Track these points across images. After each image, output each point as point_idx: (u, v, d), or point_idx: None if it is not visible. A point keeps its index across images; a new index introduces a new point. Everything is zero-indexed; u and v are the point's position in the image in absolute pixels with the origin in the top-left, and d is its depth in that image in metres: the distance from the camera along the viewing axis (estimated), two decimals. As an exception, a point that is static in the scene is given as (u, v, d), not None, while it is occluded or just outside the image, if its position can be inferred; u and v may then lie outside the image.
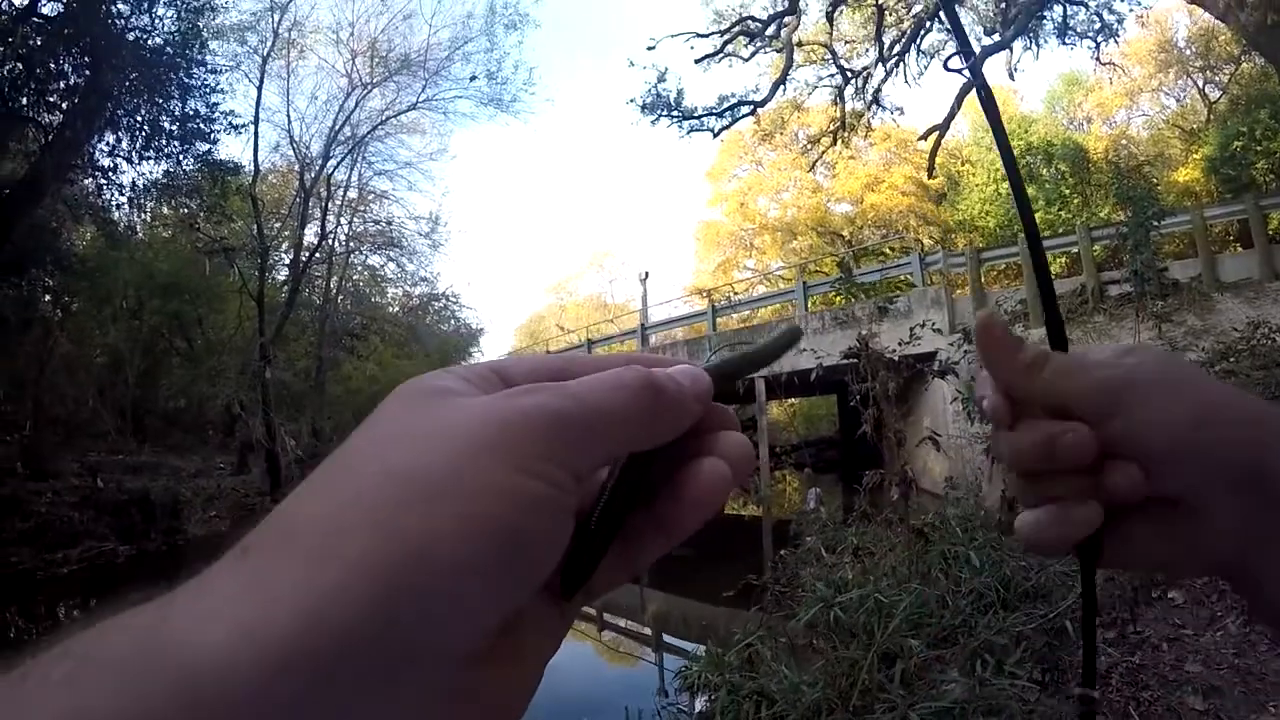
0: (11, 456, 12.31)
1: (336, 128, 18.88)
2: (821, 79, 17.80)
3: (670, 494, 0.29)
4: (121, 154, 13.00)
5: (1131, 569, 0.52)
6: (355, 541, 0.20)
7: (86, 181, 13.67)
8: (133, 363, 16.94)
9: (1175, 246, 14.44)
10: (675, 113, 16.14)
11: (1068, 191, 21.96)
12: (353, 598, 0.19)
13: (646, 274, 26.89)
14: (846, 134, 18.13)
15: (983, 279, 14.13)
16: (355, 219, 21.54)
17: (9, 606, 9.08)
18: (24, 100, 11.77)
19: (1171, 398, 0.37)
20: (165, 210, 16.61)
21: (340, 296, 21.59)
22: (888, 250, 22.68)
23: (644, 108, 16.16)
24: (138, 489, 12.57)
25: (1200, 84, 23.01)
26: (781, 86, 16.78)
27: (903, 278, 14.97)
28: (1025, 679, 3.19)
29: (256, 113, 17.22)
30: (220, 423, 17.61)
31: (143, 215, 16.26)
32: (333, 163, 19.22)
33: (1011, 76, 17.17)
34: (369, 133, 19.81)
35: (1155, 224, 11.06)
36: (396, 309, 24.73)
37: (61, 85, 11.99)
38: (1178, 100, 24.25)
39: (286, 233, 19.25)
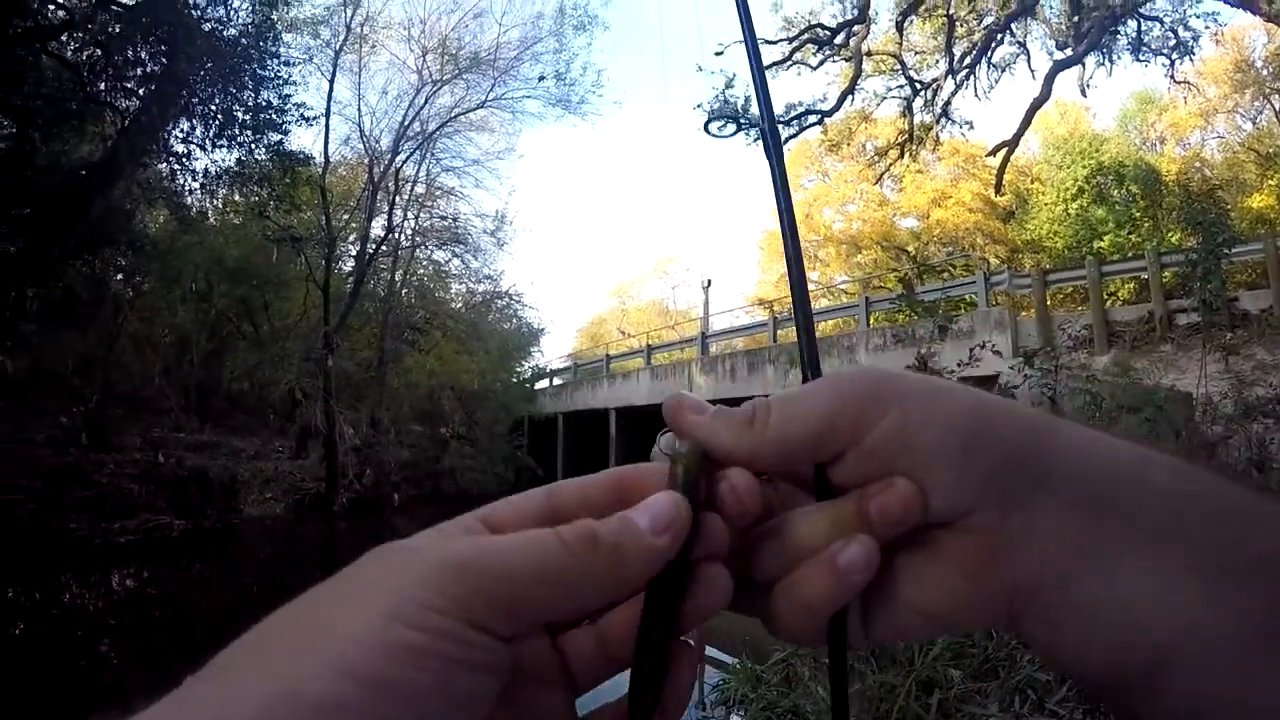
0: (76, 428, 12.79)
1: (406, 123, 19.15)
2: (890, 90, 17.58)
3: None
4: (195, 141, 13.43)
5: (895, 634, 0.32)
6: (260, 679, 0.23)
7: (161, 166, 14.17)
8: (199, 344, 17.51)
9: (1247, 276, 13.89)
10: (742, 120, 16.10)
11: (1138, 214, 21.28)
12: None
13: (709, 282, 26.79)
14: (914, 147, 17.88)
15: (1048, 301, 13.76)
16: (422, 214, 21.74)
17: (65, 571, 9.45)
18: (102, 85, 12.27)
19: (935, 393, 0.31)
20: (236, 197, 16.96)
21: (404, 290, 21.71)
22: (952, 268, 22.29)
23: (710, 115, 16.16)
24: (197, 466, 13.01)
25: (1277, 106, 22.11)
26: (849, 96, 16.65)
27: (966, 297, 14.69)
28: (1066, 719, 3.09)
29: (328, 105, 17.66)
30: (281, 407, 17.95)
31: (214, 201, 16.80)
32: (401, 157, 19.48)
33: (1083, 93, 16.76)
34: (438, 129, 20.04)
35: (1226, 251, 10.68)
36: (459, 305, 24.70)
37: (138, 72, 12.45)
38: (1254, 122, 23.37)
39: (354, 224, 19.56)
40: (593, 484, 0.33)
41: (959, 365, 5.44)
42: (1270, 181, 20.37)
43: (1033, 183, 24.80)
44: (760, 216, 30.74)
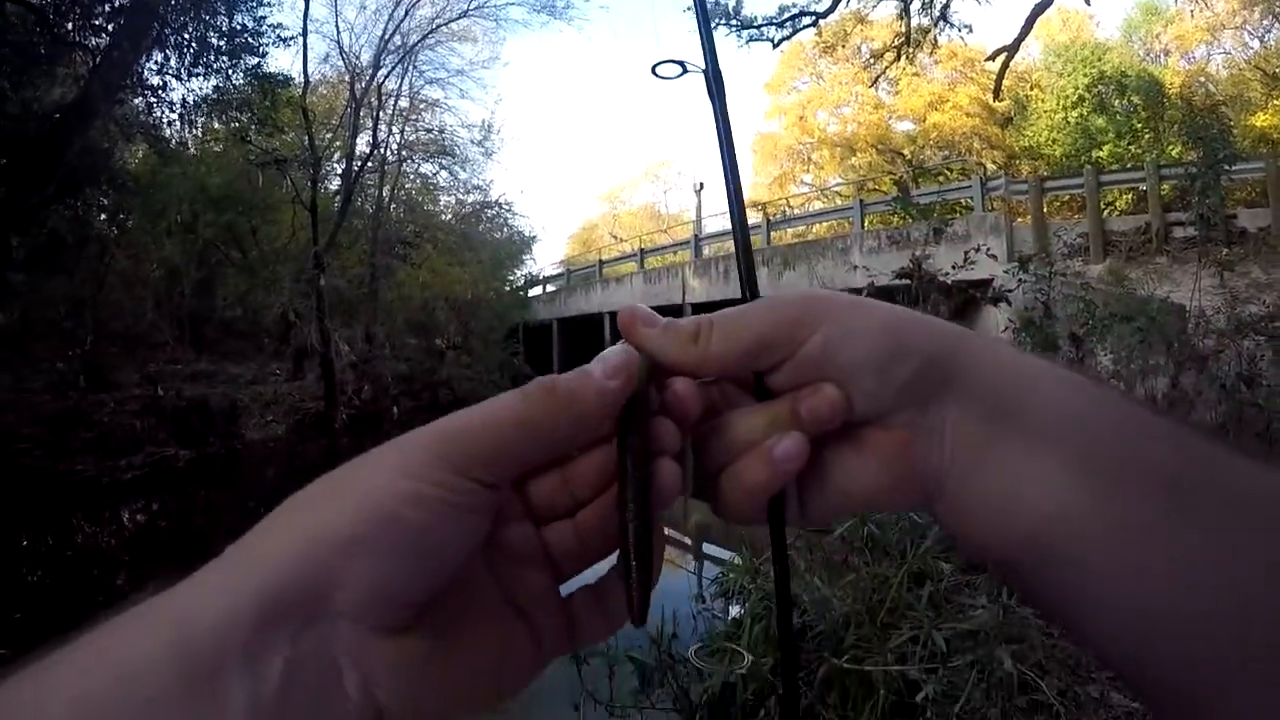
0: (74, 371, 12.79)
1: (386, 37, 18.74)
2: (887, -9, 17.01)
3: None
4: (170, 72, 13.13)
5: (827, 515, 0.39)
6: (291, 529, 0.29)
7: (136, 101, 13.85)
8: (188, 275, 17.26)
9: (1247, 194, 13.74)
10: (734, 21, 15.58)
11: (1139, 126, 20.90)
12: (283, 563, 0.27)
13: (702, 185, 26.46)
14: (911, 50, 17.39)
15: (1045, 208, 13.64)
16: (407, 128, 21.45)
17: (75, 512, 9.53)
18: (69, 25, 11.88)
19: (858, 311, 0.36)
20: (216, 125, 16.79)
21: (393, 205, 21.65)
22: (948, 171, 21.92)
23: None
24: (196, 396, 13.06)
25: (1286, 25, 21.56)
26: (845, -3, 16.14)
27: (962, 201, 14.57)
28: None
29: (304, 24, 17.14)
30: (275, 330, 18.03)
31: (194, 131, 16.50)
32: (383, 72, 19.13)
33: (1087, 1, 16.25)
34: (419, 41, 19.63)
35: (1226, 167, 10.56)
36: (449, 217, 24.69)
37: (106, 8, 12.06)
38: (1261, 41, 22.71)
39: (338, 143, 19.29)
40: None
41: (953, 268, 5.38)
42: (1275, 101, 19.97)
43: (1032, 89, 24.21)
44: (753, 119, 30.03)
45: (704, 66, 0.46)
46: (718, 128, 0.45)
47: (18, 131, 11.51)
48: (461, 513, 0.30)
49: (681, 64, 0.48)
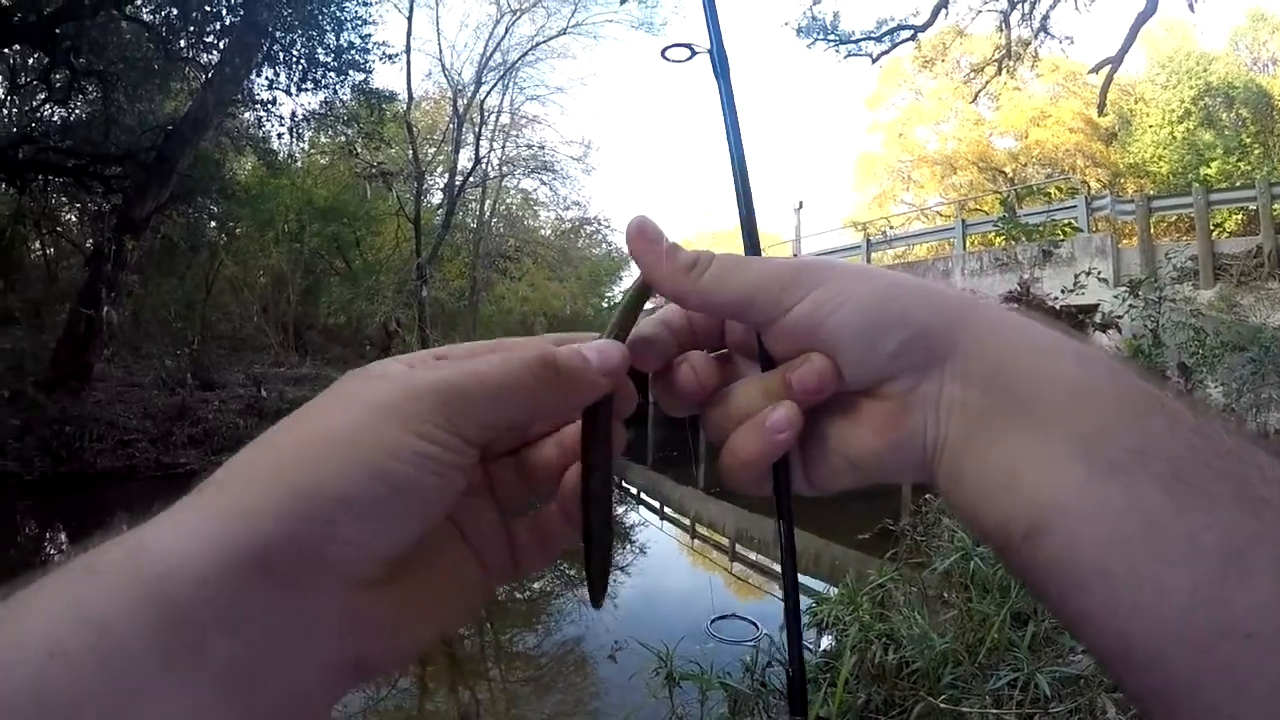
0: (182, 369, 13.33)
1: (487, 54, 19.40)
2: (986, 3, 16.54)
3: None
4: (280, 87, 13.53)
5: (831, 482, 0.38)
6: (279, 480, 0.27)
7: (247, 115, 14.40)
8: (294, 282, 18.08)
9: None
10: (831, 36, 15.44)
11: (1248, 140, 19.74)
12: (273, 518, 0.26)
13: (801, 204, 26.27)
14: (1012, 64, 16.86)
15: (1152, 229, 13.02)
16: (508, 144, 22.10)
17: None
18: (182, 43, 12.41)
19: (854, 279, 0.36)
20: (323, 139, 17.45)
21: (493, 219, 22.32)
22: (1054, 190, 21.12)
23: (800, 31, 15.56)
24: (298, 398, 13.35)
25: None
26: (943, 10, 15.77)
27: (1066, 222, 14.08)
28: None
29: (408, 42, 17.90)
30: (377, 339, 18.50)
31: (301, 144, 17.05)
32: (485, 89, 19.75)
33: (1191, 9, 15.41)
34: (520, 58, 20.25)
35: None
36: (548, 232, 25.14)
37: (218, 26, 12.53)
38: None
39: (441, 157, 19.96)
40: (532, 342, 0.38)
41: (1063, 292, 5.24)
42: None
43: (1136, 103, 23.15)
44: (854, 135, 29.67)
45: (709, 46, 0.45)
46: (723, 109, 0.44)
47: (133, 142, 12.24)
48: (450, 469, 0.30)
49: (690, 47, 0.46)
